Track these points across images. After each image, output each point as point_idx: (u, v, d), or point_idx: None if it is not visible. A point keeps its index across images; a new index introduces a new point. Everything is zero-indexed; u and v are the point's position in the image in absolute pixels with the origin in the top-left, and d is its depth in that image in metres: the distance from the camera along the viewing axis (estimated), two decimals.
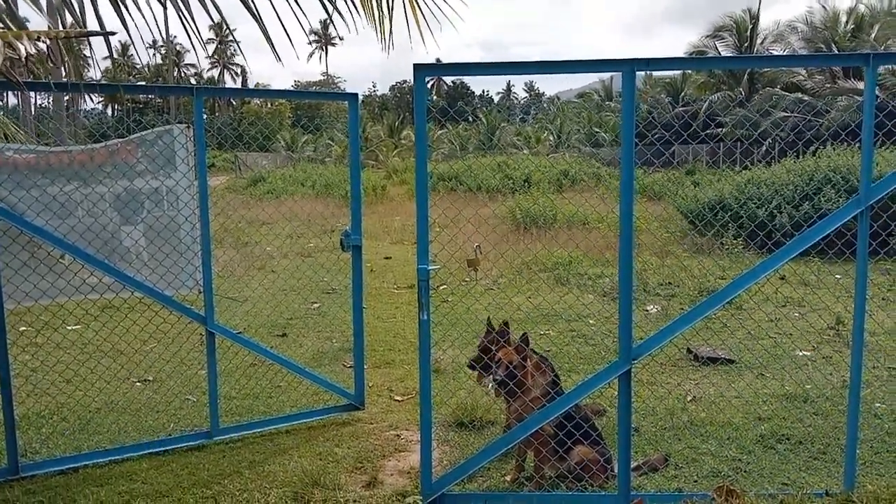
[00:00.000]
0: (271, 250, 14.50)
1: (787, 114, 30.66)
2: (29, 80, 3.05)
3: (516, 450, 4.51)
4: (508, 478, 4.47)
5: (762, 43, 38.12)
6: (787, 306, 9.52)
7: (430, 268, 3.95)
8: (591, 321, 8.98)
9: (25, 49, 1.90)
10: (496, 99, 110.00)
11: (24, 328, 7.77)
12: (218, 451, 5.00)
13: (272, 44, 3.66)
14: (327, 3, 3.80)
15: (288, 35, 3.69)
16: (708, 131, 36.59)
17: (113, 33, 2.41)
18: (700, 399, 6.00)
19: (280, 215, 15.46)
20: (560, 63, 3.90)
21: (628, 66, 3.81)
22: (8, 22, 2.91)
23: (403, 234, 17.69)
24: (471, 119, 63.84)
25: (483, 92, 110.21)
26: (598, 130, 50.35)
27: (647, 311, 9.72)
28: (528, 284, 11.58)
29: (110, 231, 4.96)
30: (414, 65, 3.85)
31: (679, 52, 45.40)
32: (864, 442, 4.90)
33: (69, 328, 7.70)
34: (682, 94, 43.11)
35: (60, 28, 2.93)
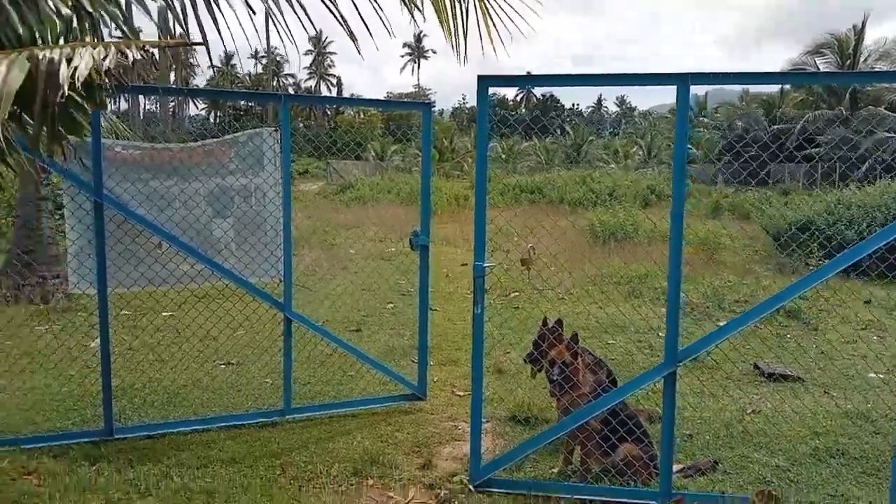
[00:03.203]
0: (354, 252, 15.10)
1: (890, 134, 29.22)
2: (138, 84, 3.49)
3: (564, 445, 4.72)
4: (555, 470, 4.69)
5: (865, 60, 36.44)
6: (868, 329, 9.25)
7: (485, 265, 4.23)
8: (661, 333, 9.01)
9: (133, 56, 2.31)
10: (586, 112, 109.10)
11: (125, 312, 8.51)
12: (288, 428, 5.44)
13: (357, 45, 3.97)
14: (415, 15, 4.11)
15: (374, 41, 3.99)
16: (804, 152, 35.25)
17: (201, 43, 2.81)
18: (759, 412, 6.02)
19: (365, 220, 16.10)
20: (617, 76, 4.13)
21: (682, 80, 3.99)
22: (125, 28, 3.39)
23: (490, 244, 17.93)
24: (558, 132, 63.61)
25: (573, 105, 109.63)
26: (689, 146, 49.22)
27: (718, 324, 9.63)
28: (601, 295, 11.65)
29: (203, 223, 5.49)
30: (478, 76, 4.15)
31: (777, 68, 43.93)
32: None
33: (164, 314, 8.40)
34: (779, 111, 41.66)
35: (168, 38, 3.39)
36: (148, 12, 3.45)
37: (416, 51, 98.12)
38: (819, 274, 4.12)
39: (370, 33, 3.91)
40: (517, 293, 11.81)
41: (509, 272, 12.11)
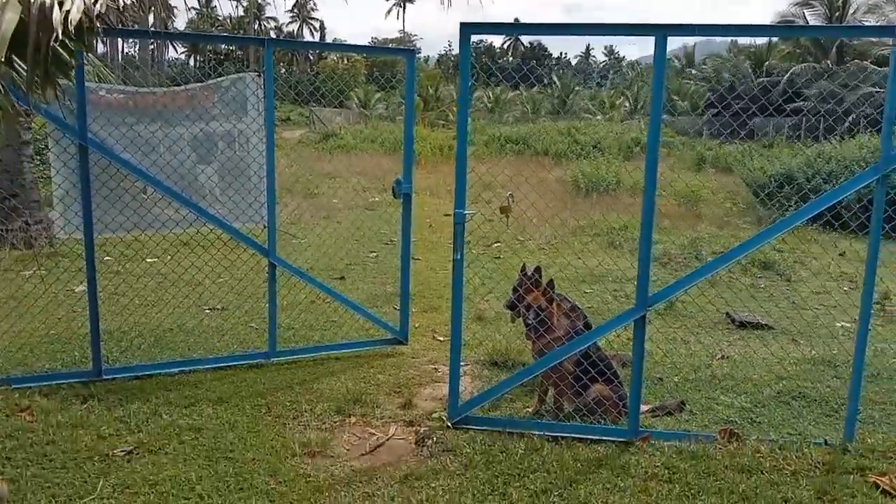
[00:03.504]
0: (337, 202, 15.13)
1: (876, 89, 29.29)
2: (119, 27, 3.50)
3: (538, 385, 4.92)
4: (530, 409, 4.90)
5: (854, 13, 36.25)
6: (840, 280, 9.53)
7: (465, 213, 4.35)
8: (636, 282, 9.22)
9: (123, 1, 2.36)
10: (574, 62, 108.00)
11: (107, 258, 8.56)
12: (274, 370, 5.61)
13: None
14: None
15: None
16: (792, 105, 35.28)
17: None
18: (728, 358, 6.26)
19: (348, 169, 16.08)
20: (595, 25, 4.18)
21: (660, 32, 4.06)
22: None
23: (470, 194, 18.01)
24: (545, 81, 62.96)
25: (561, 54, 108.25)
26: (675, 98, 49.11)
27: None
28: (581, 246, 11.83)
29: (187, 168, 5.55)
30: (461, 24, 4.19)
31: (767, 19, 43.50)
32: (877, 404, 5.11)
33: (148, 261, 8.47)
34: (766, 63, 41.53)
35: None
36: None
37: None
38: (782, 225, 4.28)
39: None
40: (499, 243, 11.97)
41: (491, 222, 12.29)
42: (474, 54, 4.31)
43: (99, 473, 3.85)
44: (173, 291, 6.90)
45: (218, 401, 4.90)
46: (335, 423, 4.65)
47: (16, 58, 2.40)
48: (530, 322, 4.70)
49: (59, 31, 2.14)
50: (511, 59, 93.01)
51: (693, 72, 54.66)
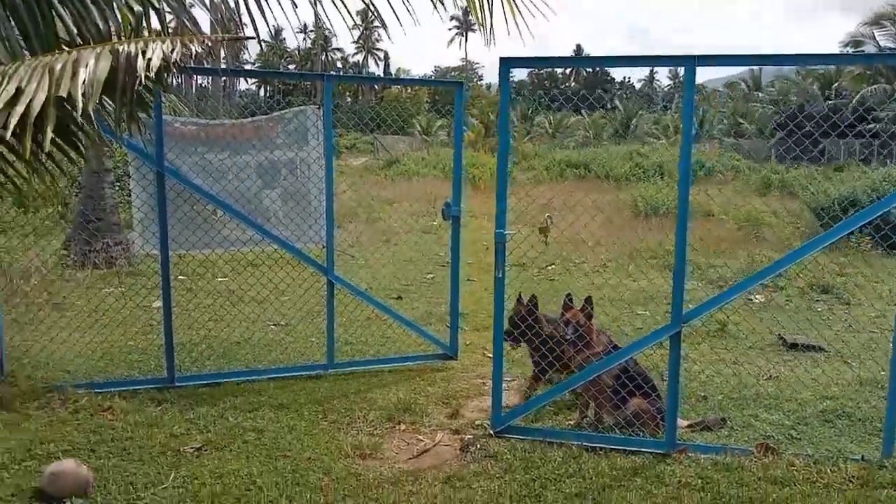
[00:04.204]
0: (396, 226, 15.60)
1: None
2: (193, 66, 3.93)
3: (580, 401, 5.12)
4: (571, 422, 5.10)
5: None
6: None
7: (505, 232, 4.64)
8: (690, 305, 9.26)
9: (195, 49, 2.76)
10: (638, 86, 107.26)
11: (181, 276, 9.16)
12: (331, 380, 5.99)
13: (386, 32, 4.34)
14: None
15: (414, 17, 4.20)
16: (860, 127, 34.29)
17: (254, 38, 3.25)
18: (776, 378, 6.30)
19: (408, 195, 16.57)
20: (628, 58, 4.45)
21: (690, 62, 4.29)
22: (186, 22, 3.86)
23: (523, 217, 18.28)
24: (608, 106, 62.82)
25: (624, 79, 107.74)
26: (742, 121, 48.29)
27: (751, 300, 9.84)
28: (636, 269, 11.90)
29: (253, 193, 6.04)
30: (500, 59, 4.50)
31: (836, 40, 42.53)
32: None
33: (218, 279, 9.02)
34: (835, 85, 40.54)
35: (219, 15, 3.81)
36: (204, 3, 3.91)
37: (464, 24, 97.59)
38: (815, 243, 4.40)
39: (410, 11, 4.13)
40: (553, 265, 12.16)
41: (545, 244, 12.51)
42: (535, 80, 4.61)
43: (171, 466, 4.26)
44: (240, 308, 7.38)
45: (279, 406, 5.29)
46: (386, 429, 4.97)
47: (105, 98, 2.82)
48: (569, 337, 4.92)
49: (143, 76, 2.55)
50: (573, 83, 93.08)
51: (760, 95, 53.70)
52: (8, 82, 2.50)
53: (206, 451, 4.50)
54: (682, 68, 4.31)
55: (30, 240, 10.26)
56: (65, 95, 2.40)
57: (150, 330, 7.05)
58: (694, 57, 4.24)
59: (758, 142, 39.97)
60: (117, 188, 12.24)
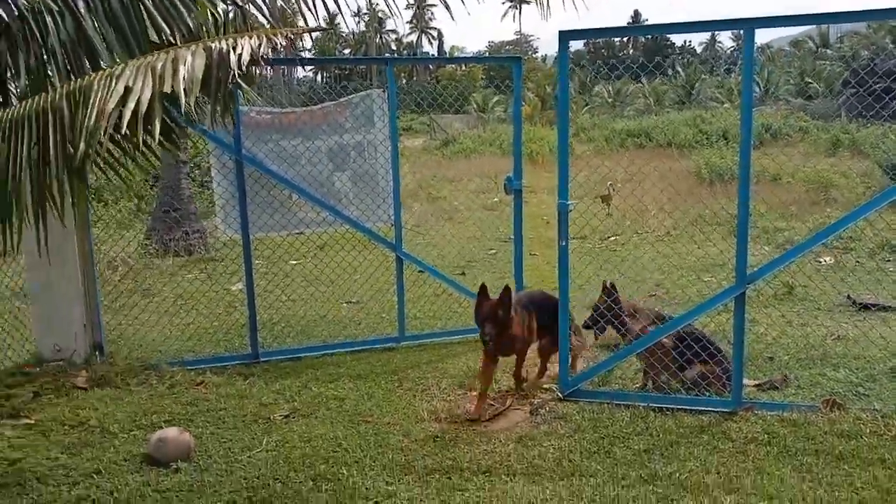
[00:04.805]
0: (458, 204, 15.83)
1: None
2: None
3: (644, 367, 5.25)
4: (636, 387, 5.25)
5: None
6: None
7: (568, 203, 4.79)
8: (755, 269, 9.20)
9: (279, 43, 3.01)
10: (699, 50, 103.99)
11: (257, 261, 9.60)
12: (403, 352, 6.30)
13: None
14: None
15: None
16: None
17: (329, 29, 3.48)
18: (844, 338, 6.28)
19: (468, 173, 16.75)
20: (685, 24, 4.51)
21: (748, 25, 4.33)
22: (267, 15, 4.11)
23: (583, 190, 18.21)
24: (669, 72, 61.25)
25: (685, 42, 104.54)
26: (810, 81, 46.48)
27: (819, 262, 9.69)
28: (701, 236, 11.82)
29: (325, 176, 6.37)
30: (559, 32, 4.62)
31: None
32: None
33: (291, 262, 9.43)
34: None
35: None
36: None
37: None
38: (879, 200, 4.41)
39: None
40: (615, 237, 12.19)
41: (610, 216, 12.52)
42: (593, 49, 4.73)
43: (263, 432, 4.62)
44: (315, 287, 7.75)
45: (357, 377, 5.62)
46: (458, 395, 5.23)
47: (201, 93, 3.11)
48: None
49: (235, 72, 2.82)
50: (631, 51, 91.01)
51: (829, 52, 51.52)
52: (116, 83, 2.80)
53: (293, 418, 4.85)
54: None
55: (112, 231, 10.91)
56: (168, 92, 2.68)
57: (232, 311, 7.48)
58: (752, 20, 4.28)
59: (826, 101, 38.39)
60: (194, 178, 12.83)
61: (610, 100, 50.78)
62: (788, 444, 4.12)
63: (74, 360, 5.77)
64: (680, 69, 57.95)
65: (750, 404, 4.69)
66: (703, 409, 4.71)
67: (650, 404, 4.77)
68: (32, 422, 4.78)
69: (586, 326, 5.50)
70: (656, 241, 11.49)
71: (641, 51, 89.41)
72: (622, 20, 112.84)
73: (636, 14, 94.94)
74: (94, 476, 4.07)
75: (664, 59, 76.57)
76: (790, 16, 4.37)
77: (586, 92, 53.36)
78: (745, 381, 4.88)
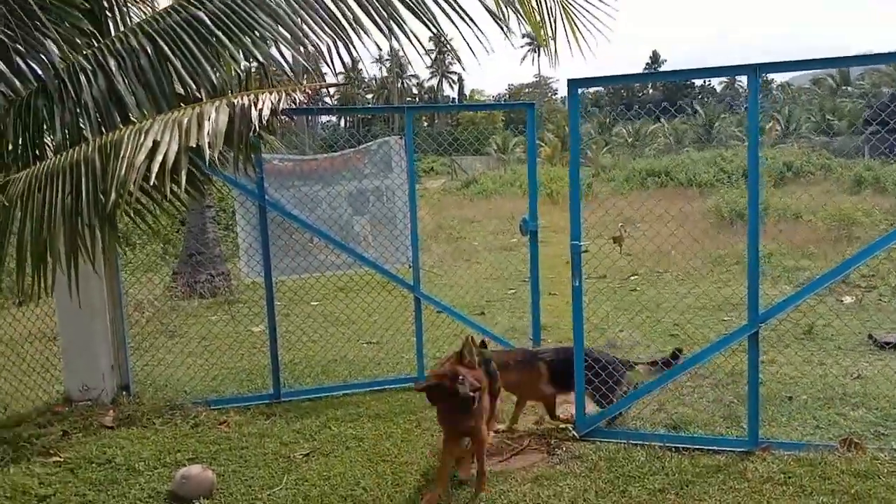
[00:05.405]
0: (477, 244, 15.97)
1: None
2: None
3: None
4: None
5: None
6: None
7: (580, 244, 4.90)
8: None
9: (298, 98, 3.20)
10: (718, 89, 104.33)
11: (278, 303, 9.77)
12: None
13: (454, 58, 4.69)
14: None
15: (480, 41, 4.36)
16: None
17: (347, 84, 3.67)
18: (864, 377, 6.25)
19: (488, 213, 16.92)
20: (691, 71, 4.66)
21: (752, 70, 4.46)
22: (286, 69, 4.32)
23: (601, 230, 18.27)
24: (688, 111, 61.54)
25: (704, 82, 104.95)
26: (831, 118, 46.45)
27: (841, 301, 9.64)
28: (720, 276, 11.81)
29: (345, 220, 6.55)
30: (568, 80, 4.80)
31: None
32: None
33: (311, 304, 9.60)
34: None
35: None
36: (300, 55, 4.36)
37: (535, 41, 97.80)
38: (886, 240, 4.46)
39: (478, 38, 4.29)
40: (635, 276, 12.21)
41: (628, 255, 12.56)
42: (612, 90, 4.89)
43: (283, 471, 4.72)
44: (335, 328, 7.88)
45: (376, 416, 5.70)
46: None
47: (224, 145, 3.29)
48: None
49: (256, 125, 3.01)
50: (650, 91, 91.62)
51: (849, 89, 51.54)
52: (145, 137, 3.00)
53: (313, 457, 4.94)
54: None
55: (139, 274, 11.17)
56: (194, 146, 2.86)
57: (255, 351, 7.63)
58: (755, 66, 4.40)
59: (848, 138, 38.27)
60: (219, 223, 13.12)
61: (630, 139, 51.02)
62: (804, 484, 4.13)
63: (102, 400, 5.94)
64: (699, 108, 58.14)
65: (766, 444, 4.70)
66: (719, 448, 4.72)
67: (666, 444, 4.79)
68: (61, 459, 4.92)
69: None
70: (676, 281, 11.51)
71: (661, 90, 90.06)
72: (641, 59, 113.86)
73: (654, 56, 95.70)
74: None
75: (683, 97, 76.99)
76: (794, 61, 4.49)
77: (605, 132, 53.68)
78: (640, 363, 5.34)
